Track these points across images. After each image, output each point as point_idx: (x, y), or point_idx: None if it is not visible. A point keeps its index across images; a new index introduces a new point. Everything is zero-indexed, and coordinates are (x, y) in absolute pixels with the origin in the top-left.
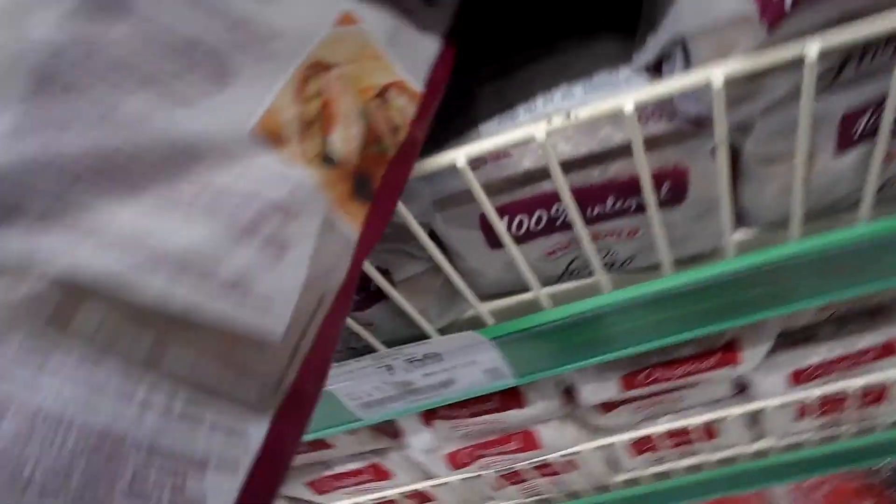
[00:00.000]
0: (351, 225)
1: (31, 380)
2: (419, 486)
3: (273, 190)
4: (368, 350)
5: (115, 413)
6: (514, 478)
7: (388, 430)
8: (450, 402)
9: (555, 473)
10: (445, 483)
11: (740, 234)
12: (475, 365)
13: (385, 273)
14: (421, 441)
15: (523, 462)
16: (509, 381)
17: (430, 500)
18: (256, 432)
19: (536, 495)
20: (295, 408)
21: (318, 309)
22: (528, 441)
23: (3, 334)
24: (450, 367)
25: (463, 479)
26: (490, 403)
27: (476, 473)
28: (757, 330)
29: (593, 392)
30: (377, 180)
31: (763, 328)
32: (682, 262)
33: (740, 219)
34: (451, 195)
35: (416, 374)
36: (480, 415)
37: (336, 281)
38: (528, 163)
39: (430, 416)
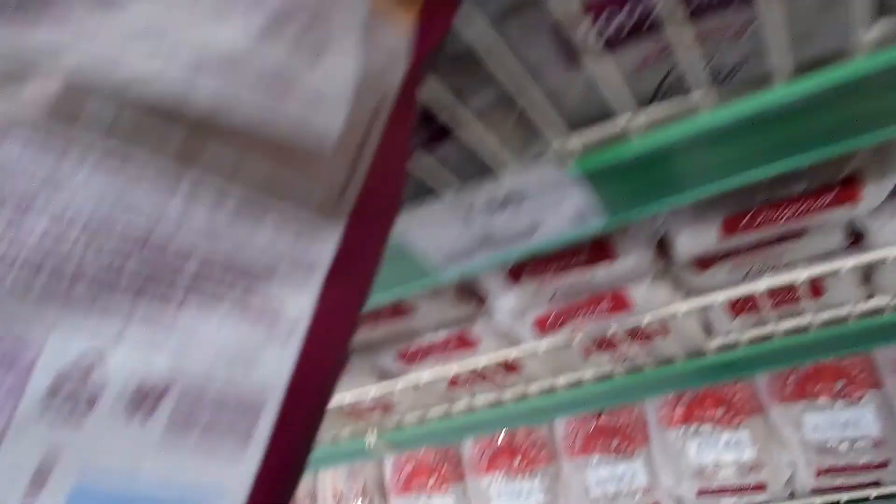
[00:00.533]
0: (400, 24)
1: (52, 176)
2: (507, 354)
3: None
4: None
5: (157, 208)
6: (604, 344)
7: (473, 296)
8: (535, 257)
9: (647, 338)
10: (533, 352)
11: (878, 28)
12: (560, 208)
13: (450, 109)
14: (507, 304)
15: (614, 326)
16: (597, 225)
17: (517, 370)
18: (329, 237)
19: (627, 363)
20: (369, 217)
21: (378, 111)
22: (618, 302)
23: (2, 133)
24: (532, 211)
25: (551, 346)
26: (579, 257)
27: (565, 340)
28: (883, 163)
29: (690, 240)
30: None
31: (890, 161)
32: (800, 69)
33: (880, 6)
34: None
35: (496, 221)
36: (568, 270)
37: (393, 82)
38: None
39: (516, 274)
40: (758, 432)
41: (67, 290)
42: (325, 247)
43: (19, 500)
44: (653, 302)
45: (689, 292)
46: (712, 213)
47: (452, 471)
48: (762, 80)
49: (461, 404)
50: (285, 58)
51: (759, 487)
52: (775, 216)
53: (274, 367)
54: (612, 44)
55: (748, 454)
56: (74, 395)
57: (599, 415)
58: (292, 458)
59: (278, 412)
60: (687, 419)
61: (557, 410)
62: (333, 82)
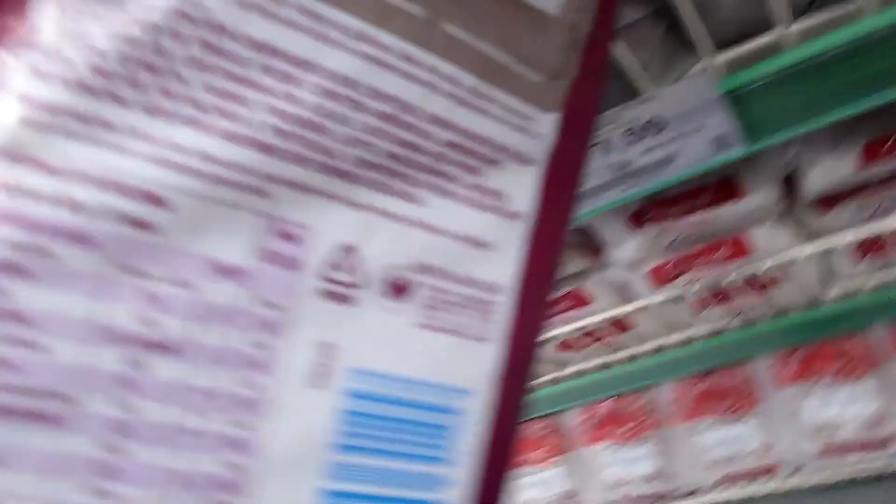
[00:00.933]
0: None
1: (315, 42)
2: (619, 311)
3: None
4: None
5: (403, 88)
6: (718, 297)
7: (590, 246)
8: (658, 200)
9: (763, 287)
10: (646, 308)
11: None
12: (701, 132)
13: None
14: (626, 253)
15: (732, 273)
16: (737, 152)
17: (628, 328)
18: (545, 127)
19: (741, 315)
20: (581, 100)
21: None
22: (738, 247)
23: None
24: (672, 139)
25: (664, 300)
26: (704, 197)
27: (680, 291)
28: None
29: (823, 172)
30: None
31: None
32: None
33: None
34: None
35: (634, 152)
36: (692, 212)
37: None
38: None
39: (637, 219)
40: (880, 384)
41: (331, 172)
42: (543, 138)
43: (308, 390)
44: (773, 246)
45: (811, 235)
46: (852, 140)
47: (558, 443)
48: None
49: (570, 369)
50: None
51: (886, 442)
52: None
53: (505, 253)
54: None
55: (871, 408)
56: (341, 283)
57: (707, 376)
58: (528, 357)
59: (512, 303)
60: (802, 376)
61: (668, 371)
62: None
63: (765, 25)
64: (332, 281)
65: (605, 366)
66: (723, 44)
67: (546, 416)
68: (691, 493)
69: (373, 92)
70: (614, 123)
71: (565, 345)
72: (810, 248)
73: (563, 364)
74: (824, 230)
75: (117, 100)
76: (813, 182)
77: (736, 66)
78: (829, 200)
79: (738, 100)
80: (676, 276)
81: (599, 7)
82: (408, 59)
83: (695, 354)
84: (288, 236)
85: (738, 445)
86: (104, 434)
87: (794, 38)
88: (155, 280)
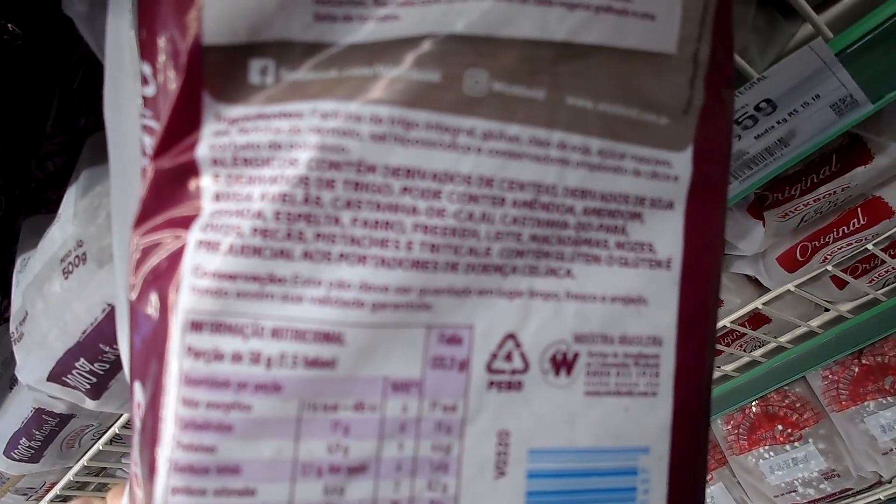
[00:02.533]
0: None
1: (453, 154)
2: (752, 306)
3: None
4: None
5: (537, 172)
6: (860, 267)
7: None
8: (777, 185)
9: None
10: (780, 297)
11: None
12: (819, 101)
13: None
14: (751, 246)
15: (872, 241)
16: (860, 112)
17: (766, 323)
18: (681, 167)
19: (890, 284)
20: (711, 128)
21: (707, 5)
22: (874, 211)
23: (407, 115)
24: (787, 116)
25: (801, 283)
26: (828, 168)
27: (816, 272)
28: None
29: None
30: None
31: None
32: None
33: None
34: None
35: (748, 139)
36: (819, 185)
37: None
38: None
39: (759, 206)
40: None
41: (485, 269)
42: (680, 178)
43: (492, 481)
44: None
45: None
46: None
47: (711, 457)
48: None
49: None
50: None
51: None
52: None
53: (661, 304)
54: None
55: None
56: (506, 372)
57: (860, 357)
58: (699, 400)
59: (676, 353)
60: None
61: (821, 356)
62: None
63: None
64: (497, 371)
65: (752, 364)
66: (820, 3)
67: None
68: (870, 488)
69: (509, 184)
70: None
71: None
72: None
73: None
74: None
75: (281, 254)
76: None
77: (840, 24)
78: None
79: (850, 59)
80: (811, 257)
81: (714, 25)
82: (536, 142)
83: (845, 333)
84: (452, 340)
85: None
86: None
87: None
88: (340, 410)
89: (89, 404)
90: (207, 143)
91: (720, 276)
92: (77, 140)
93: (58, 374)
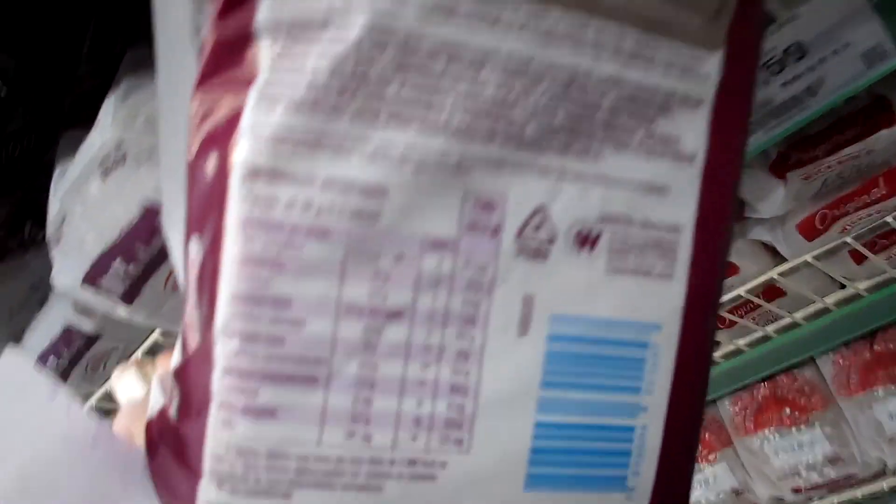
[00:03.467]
0: None
1: (495, 35)
2: (768, 276)
3: None
4: None
5: (574, 55)
6: (879, 242)
7: None
8: (802, 142)
9: None
10: (797, 269)
11: None
12: (848, 49)
13: None
14: (771, 206)
15: (892, 212)
16: (893, 62)
17: (783, 295)
18: (711, 67)
19: None
20: (743, 34)
21: None
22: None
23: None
24: (816, 63)
25: (818, 255)
26: (854, 128)
27: (834, 243)
28: None
29: None
30: None
31: None
32: None
33: None
34: None
35: (774, 86)
36: (843, 147)
37: None
38: None
39: (781, 165)
40: None
41: (520, 145)
42: (710, 78)
43: (516, 338)
44: None
45: None
46: None
47: (716, 436)
48: None
49: (724, 349)
50: None
51: None
52: None
53: (682, 195)
54: None
55: None
56: (534, 241)
57: (872, 343)
58: (711, 290)
59: (693, 242)
60: None
61: (835, 335)
62: None
63: None
64: (527, 240)
65: (764, 339)
66: None
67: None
68: (876, 477)
69: (548, 64)
70: None
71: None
72: None
73: (714, 345)
74: None
75: (335, 111)
76: None
77: None
78: None
79: (886, 4)
80: (830, 226)
81: None
82: (575, 27)
83: (860, 312)
84: (487, 206)
85: None
86: (353, 389)
87: None
88: (381, 259)
89: (121, 311)
90: (266, 7)
91: (740, 178)
92: (112, 62)
93: (93, 277)
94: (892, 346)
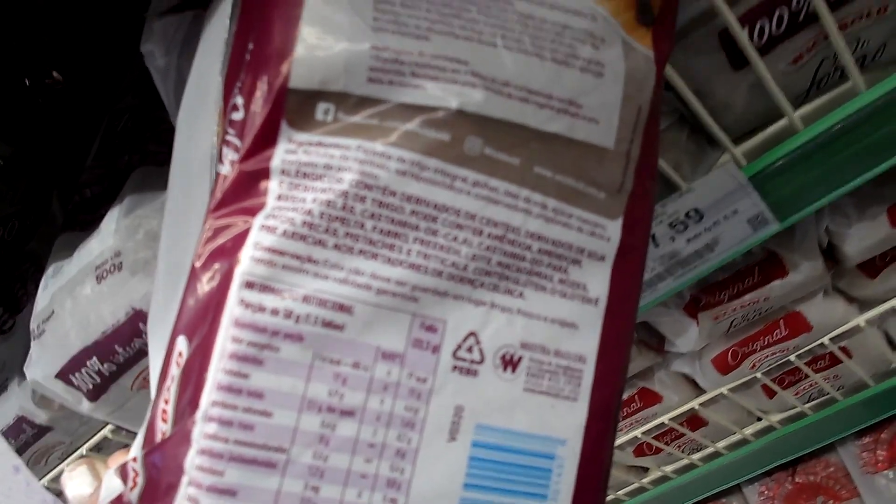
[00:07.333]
0: (644, 45)
1: (450, 193)
2: (689, 406)
3: (577, 21)
4: None
5: (508, 214)
6: (787, 379)
7: (651, 343)
8: (708, 288)
9: (830, 363)
10: (716, 401)
11: None
12: (737, 216)
13: None
14: (687, 343)
15: (794, 352)
16: (772, 228)
17: (703, 425)
18: (613, 229)
19: (815, 399)
20: (637, 208)
21: (637, 120)
22: (795, 324)
23: (423, 161)
24: (712, 225)
25: (733, 388)
26: (751, 278)
27: (746, 378)
28: None
29: (858, 240)
30: (656, 6)
31: None
32: None
33: None
34: (687, 22)
35: (680, 242)
36: (744, 293)
37: (647, 94)
38: None
39: (694, 307)
40: None
41: (461, 281)
42: (611, 240)
43: (446, 442)
44: (829, 319)
45: (863, 305)
46: (877, 205)
47: None
48: None
49: (652, 475)
50: (578, 80)
51: None
52: None
53: (588, 331)
54: (769, 44)
55: None
56: (467, 360)
57: (793, 474)
58: (609, 411)
59: (595, 370)
60: (894, 461)
61: (753, 464)
62: (608, 97)
63: (774, 115)
64: (460, 359)
65: (690, 466)
66: (740, 136)
67: None
68: None
69: (488, 221)
70: (658, 218)
71: (642, 449)
72: (867, 315)
73: (642, 472)
74: (874, 300)
75: (320, 243)
76: (851, 249)
77: (755, 153)
78: (873, 268)
79: (762, 182)
80: (741, 362)
81: (644, 134)
82: (509, 194)
83: (776, 444)
84: (431, 328)
85: None
86: (305, 476)
87: (800, 122)
88: (341, 364)
89: (84, 406)
90: (280, 157)
91: (635, 318)
92: (115, 173)
93: (66, 372)
94: (811, 477)
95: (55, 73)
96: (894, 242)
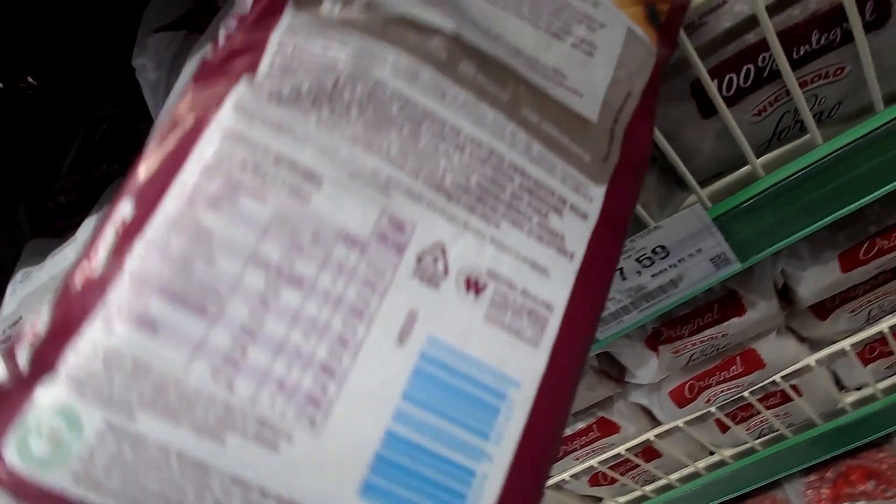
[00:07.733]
0: (650, 38)
1: (439, 104)
2: (646, 437)
3: (579, 3)
4: None
5: (495, 139)
6: (739, 415)
7: (612, 373)
8: (670, 322)
9: (781, 401)
10: (671, 433)
11: None
12: (701, 254)
13: None
14: (647, 374)
15: (748, 388)
16: (733, 267)
17: (658, 457)
18: (597, 192)
19: (765, 435)
20: (623, 182)
21: (625, 104)
22: (750, 361)
23: (418, 68)
24: (677, 262)
25: (689, 421)
26: (711, 315)
27: (702, 411)
28: None
29: (812, 280)
30: (663, 14)
31: None
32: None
33: None
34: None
35: (645, 276)
36: (704, 329)
37: (639, 83)
38: (727, 22)
39: (655, 340)
40: None
41: (437, 190)
42: (594, 201)
43: (393, 344)
44: (781, 358)
45: (813, 345)
46: (829, 250)
47: None
48: (864, 112)
49: None
50: (567, 54)
51: None
52: (890, 244)
53: (559, 282)
54: (736, 96)
55: None
56: (430, 270)
57: None
58: (570, 368)
59: (561, 321)
60: (837, 499)
61: (701, 499)
62: (596, 77)
63: (739, 162)
64: (424, 265)
65: (643, 498)
66: (706, 180)
67: None
68: None
69: (472, 140)
70: (627, 253)
71: (597, 479)
72: (817, 355)
73: (596, 501)
74: (825, 340)
75: (303, 114)
76: (804, 291)
77: (720, 196)
78: (823, 310)
79: (725, 224)
80: (697, 395)
81: (632, 121)
82: (497, 124)
83: (727, 479)
84: (399, 226)
85: None
86: (235, 332)
87: (762, 169)
88: (301, 233)
89: None
90: (281, 30)
91: (610, 282)
92: (92, 181)
93: None
94: None
95: (29, 78)
96: (844, 286)
